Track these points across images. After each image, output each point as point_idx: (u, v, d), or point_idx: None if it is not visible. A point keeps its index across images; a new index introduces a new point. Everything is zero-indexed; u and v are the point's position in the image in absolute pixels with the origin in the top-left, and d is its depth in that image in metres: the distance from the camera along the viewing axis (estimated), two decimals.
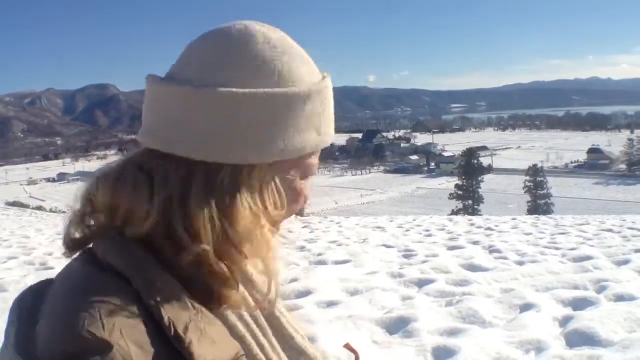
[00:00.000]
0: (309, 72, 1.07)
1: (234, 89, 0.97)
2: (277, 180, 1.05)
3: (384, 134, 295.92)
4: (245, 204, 0.98)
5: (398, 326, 5.56)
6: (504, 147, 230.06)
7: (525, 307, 6.10)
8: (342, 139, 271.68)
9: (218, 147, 0.97)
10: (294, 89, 1.01)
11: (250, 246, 1.00)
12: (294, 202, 1.12)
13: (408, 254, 10.70)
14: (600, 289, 6.96)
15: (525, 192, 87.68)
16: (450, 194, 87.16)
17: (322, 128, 1.08)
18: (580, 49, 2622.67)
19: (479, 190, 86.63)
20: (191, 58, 1.04)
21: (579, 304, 6.30)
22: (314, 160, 1.12)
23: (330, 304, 6.56)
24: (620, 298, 6.45)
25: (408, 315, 5.80)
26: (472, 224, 18.67)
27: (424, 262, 9.58)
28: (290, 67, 1.03)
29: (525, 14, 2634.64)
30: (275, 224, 1.08)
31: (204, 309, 0.94)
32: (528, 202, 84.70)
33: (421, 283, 7.67)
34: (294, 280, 8.03)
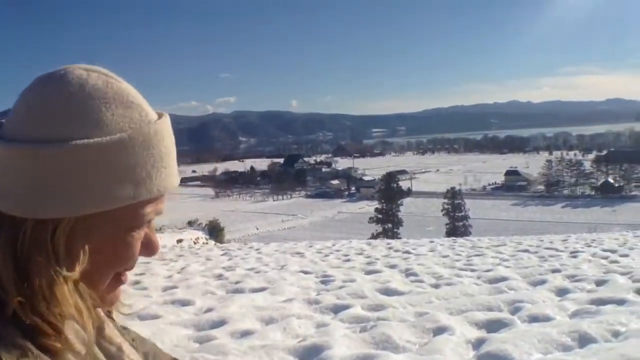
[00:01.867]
0: (131, 118, 1.01)
1: (29, 146, 0.93)
2: (91, 234, 0.99)
3: (306, 158, 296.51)
4: (39, 260, 0.93)
5: (311, 354, 5.49)
6: (424, 170, 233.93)
7: (439, 330, 6.11)
8: (263, 164, 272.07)
9: (18, 200, 0.93)
10: (104, 138, 0.96)
11: (52, 304, 0.95)
12: (118, 256, 1.06)
13: (326, 280, 10.66)
14: (515, 310, 7.04)
15: (443, 214, 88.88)
16: (370, 218, 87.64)
17: (144, 176, 1.01)
18: (500, 73, 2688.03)
19: (399, 213, 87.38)
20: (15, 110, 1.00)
21: (493, 326, 6.34)
22: (147, 209, 1.06)
23: (245, 333, 6.45)
24: (534, 319, 6.52)
25: (322, 343, 5.72)
26: (390, 248, 18.78)
27: (341, 287, 9.56)
28: (103, 116, 0.97)
29: (445, 40, 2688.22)
30: (91, 281, 1.03)
31: (42, 355, 0.91)
32: (447, 224, 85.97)
33: (337, 309, 7.63)
34: (210, 310, 7.89)
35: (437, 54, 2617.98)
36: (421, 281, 10.22)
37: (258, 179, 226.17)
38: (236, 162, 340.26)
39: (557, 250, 15.59)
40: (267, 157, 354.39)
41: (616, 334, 5.68)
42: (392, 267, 12.47)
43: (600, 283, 9.12)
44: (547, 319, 6.49)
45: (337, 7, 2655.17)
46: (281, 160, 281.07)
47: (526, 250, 15.61)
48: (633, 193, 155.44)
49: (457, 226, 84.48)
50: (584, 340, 5.44)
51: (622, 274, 9.97)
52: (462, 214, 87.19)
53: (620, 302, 7.29)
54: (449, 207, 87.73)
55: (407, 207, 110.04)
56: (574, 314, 6.76)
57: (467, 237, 33.03)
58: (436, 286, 9.46)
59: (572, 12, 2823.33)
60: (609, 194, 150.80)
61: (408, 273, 11.24)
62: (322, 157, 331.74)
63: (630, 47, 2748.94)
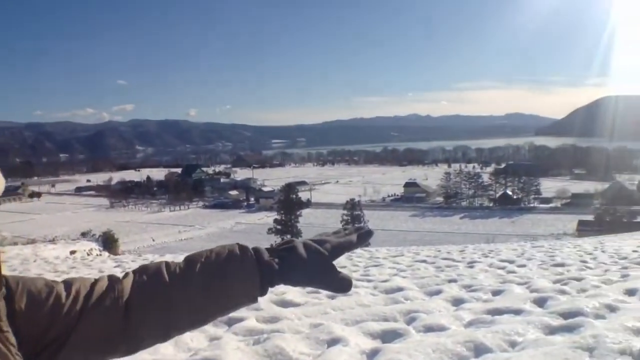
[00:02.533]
0: None
1: None
2: None
3: (204, 168, 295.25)
4: None
5: None
6: (323, 182, 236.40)
7: (333, 341, 5.99)
8: (160, 174, 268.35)
9: None
10: None
11: None
12: None
13: None
14: (410, 320, 6.98)
15: (343, 225, 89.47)
16: (269, 229, 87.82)
17: None
18: (400, 86, 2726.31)
19: (298, 224, 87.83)
20: None
21: (388, 336, 6.26)
22: None
23: None
24: (429, 329, 6.48)
25: (213, 357, 5.55)
26: None
27: None
28: None
29: (346, 52, 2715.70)
30: None
31: None
32: None
33: (231, 322, 7.40)
34: None
35: (338, 66, 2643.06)
36: (317, 292, 10.09)
37: (155, 189, 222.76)
38: (132, 171, 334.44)
39: (454, 260, 15.78)
40: (165, 167, 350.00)
41: (513, 344, 5.68)
42: None
43: (496, 293, 9.20)
44: (442, 328, 6.47)
45: (233, 15, 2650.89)
46: (179, 170, 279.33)
47: (423, 261, 15.75)
48: (531, 205, 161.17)
49: None
50: (480, 350, 5.41)
51: (519, 284, 10.10)
52: (361, 225, 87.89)
53: (517, 312, 7.33)
54: (348, 218, 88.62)
55: (306, 218, 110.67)
56: (470, 324, 6.75)
57: (366, 248, 33.16)
58: (332, 297, 9.35)
59: (469, 28, 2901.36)
60: (507, 206, 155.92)
61: None
62: (221, 168, 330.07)
63: (529, 63, 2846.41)
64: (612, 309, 7.68)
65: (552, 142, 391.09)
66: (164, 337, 1.62)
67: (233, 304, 1.58)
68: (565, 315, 7.01)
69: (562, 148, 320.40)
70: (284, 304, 8.81)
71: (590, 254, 18.33)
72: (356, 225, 1.83)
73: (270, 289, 1.59)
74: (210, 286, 1.56)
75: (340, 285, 1.58)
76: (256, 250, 1.60)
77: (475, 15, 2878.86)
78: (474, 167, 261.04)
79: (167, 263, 1.62)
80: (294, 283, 1.59)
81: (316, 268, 1.54)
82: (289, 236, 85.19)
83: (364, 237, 1.70)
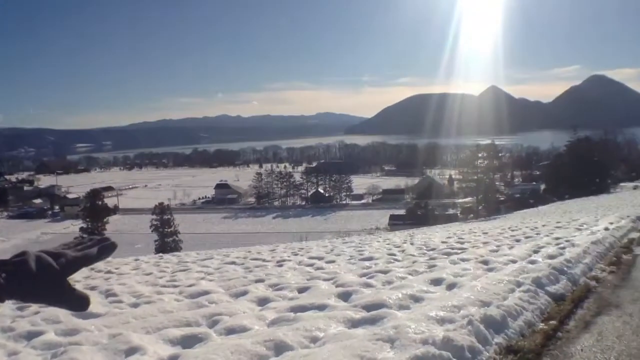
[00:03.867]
0: None
1: None
2: None
3: (7, 176, 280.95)
4: None
5: None
6: (131, 186, 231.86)
7: (131, 351, 5.85)
8: None
9: None
10: None
11: None
12: None
13: (22, 306, 9.96)
14: (213, 324, 6.94)
15: (152, 231, 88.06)
16: (75, 238, 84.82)
17: None
18: (209, 87, 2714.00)
19: (105, 232, 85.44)
20: None
21: (189, 341, 6.19)
22: None
23: None
24: (231, 331, 6.45)
25: None
26: (92, 269, 17.98)
27: (36, 313, 9.05)
28: None
29: (150, 52, 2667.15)
30: None
31: None
32: (156, 240, 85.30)
33: (30, 336, 7.25)
34: None
35: (143, 66, 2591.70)
36: (120, 301, 9.92)
37: None
38: None
39: (264, 260, 15.87)
40: None
41: (314, 340, 5.73)
42: (92, 288, 12.02)
43: (302, 290, 9.31)
44: (244, 329, 6.45)
45: (34, 15, 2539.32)
46: None
47: (233, 263, 15.75)
48: (343, 202, 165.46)
49: (166, 242, 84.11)
50: (280, 348, 5.42)
51: (326, 279, 10.30)
52: (172, 229, 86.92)
53: (321, 307, 7.44)
54: (158, 223, 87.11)
55: (114, 225, 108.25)
56: (273, 323, 6.78)
57: (175, 253, 32.88)
58: (135, 305, 9.19)
59: (278, 29, 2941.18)
60: (319, 204, 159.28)
61: (108, 294, 10.88)
62: (25, 175, 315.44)
63: (340, 64, 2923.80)
64: (416, 299, 7.97)
65: (362, 140, 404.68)
66: None
67: None
68: (369, 307, 7.19)
69: (372, 146, 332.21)
70: (84, 315, 8.51)
71: (399, 246, 19.03)
72: (97, 237, 1.68)
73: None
74: None
75: (74, 303, 1.47)
76: None
77: (283, 15, 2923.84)
78: (285, 166, 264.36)
79: None
80: (24, 299, 1.47)
81: (46, 284, 1.43)
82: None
83: (105, 250, 1.58)
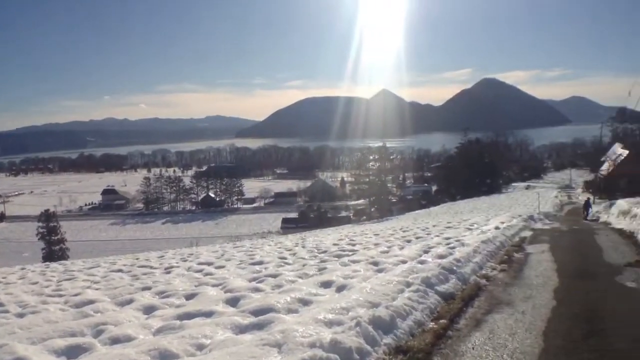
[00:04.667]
0: None
1: None
2: None
3: None
4: None
5: None
6: (17, 193, 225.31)
7: None
8: None
9: None
10: None
11: None
12: None
13: None
14: (98, 334, 6.84)
15: (39, 239, 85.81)
16: None
17: None
18: (95, 89, 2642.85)
19: None
20: None
21: (73, 352, 6.09)
22: None
23: None
24: (116, 340, 6.38)
25: None
26: None
27: None
28: None
29: (35, 52, 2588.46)
30: None
31: None
32: (43, 249, 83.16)
33: None
34: None
35: (27, 67, 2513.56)
36: (7, 311, 9.71)
37: None
38: None
39: (151, 267, 15.71)
40: None
41: (200, 347, 5.73)
42: None
43: (190, 297, 9.28)
44: (129, 339, 6.39)
45: None
46: None
47: (120, 270, 15.54)
48: (235, 206, 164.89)
49: (53, 250, 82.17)
50: (165, 357, 5.39)
51: (214, 285, 10.27)
52: (59, 237, 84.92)
53: (209, 314, 7.43)
54: (44, 230, 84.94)
55: (1, 233, 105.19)
56: (159, 331, 6.73)
57: (62, 262, 32.12)
58: (21, 315, 8.99)
59: (169, 30, 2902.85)
60: (210, 208, 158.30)
61: None
62: None
63: (232, 66, 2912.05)
64: (305, 302, 8.03)
65: (253, 143, 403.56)
66: None
67: None
68: (257, 312, 7.21)
69: (264, 149, 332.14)
70: None
71: (290, 250, 19.12)
72: None
73: None
74: None
75: None
76: None
77: (171, 16, 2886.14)
78: (174, 171, 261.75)
79: None
80: None
81: None
82: None
83: None
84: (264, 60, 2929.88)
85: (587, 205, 44.07)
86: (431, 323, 8.23)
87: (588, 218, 38.83)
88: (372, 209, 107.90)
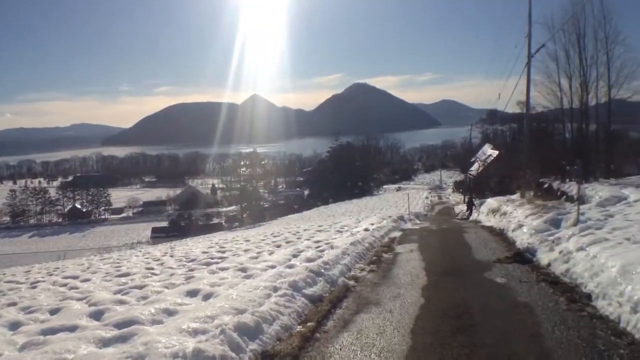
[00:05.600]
0: None
1: None
2: None
3: None
4: None
5: None
6: None
7: None
8: None
9: None
10: None
11: None
12: None
13: None
14: None
15: None
16: None
17: None
18: None
19: None
20: None
21: None
22: None
23: None
24: None
25: None
26: None
27: None
28: None
29: None
30: None
31: None
32: None
33: None
34: None
35: None
36: None
37: None
38: None
39: (17, 282, 15.34)
40: None
41: None
42: None
43: (54, 311, 9.17)
44: None
45: None
46: None
47: None
48: (103, 216, 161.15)
49: None
50: None
51: (79, 299, 10.16)
52: None
53: (72, 328, 7.41)
54: None
55: None
56: (23, 347, 6.66)
57: None
58: None
59: (28, 35, 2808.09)
60: (77, 220, 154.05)
61: None
62: None
63: (95, 73, 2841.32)
64: (170, 312, 8.08)
65: (121, 151, 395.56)
66: None
67: None
68: (120, 325, 7.24)
69: (132, 157, 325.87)
70: None
71: (158, 260, 18.97)
72: None
73: None
74: None
75: None
76: None
77: (33, 21, 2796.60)
78: (39, 182, 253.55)
79: None
80: None
81: None
82: None
83: None
84: (132, 67, 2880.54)
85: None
86: (299, 326, 8.42)
87: (472, 217, 39.89)
88: (244, 215, 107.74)
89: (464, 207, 51.05)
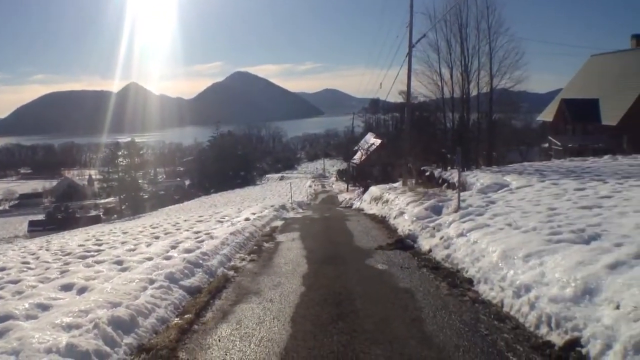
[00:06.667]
0: None
1: None
2: None
3: None
4: None
5: None
6: None
7: None
8: None
9: None
10: None
11: None
12: None
13: None
14: None
15: None
16: None
17: None
18: None
19: None
20: None
21: None
22: None
23: None
24: None
25: None
26: None
27: None
28: None
29: None
30: None
31: None
32: None
33: None
34: None
35: None
36: None
37: None
38: None
39: None
40: None
41: None
42: None
43: None
44: None
45: None
46: None
47: None
48: None
49: None
50: None
51: None
52: None
53: None
54: None
55: None
56: None
57: None
58: None
59: None
60: None
61: None
62: None
63: None
64: (44, 307, 7.91)
65: None
66: None
67: None
68: None
69: (6, 148, 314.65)
70: None
71: (34, 254, 18.49)
72: None
73: None
74: None
75: None
76: None
77: None
78: None
79: None
80: None
81: None
82: None
83: None
84: (4, 54, 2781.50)
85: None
86: (176, 319, 8.39)
87: (355, 205, 40.12)
88: (123, 207, 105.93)
89: (347, 196, 51.65)
